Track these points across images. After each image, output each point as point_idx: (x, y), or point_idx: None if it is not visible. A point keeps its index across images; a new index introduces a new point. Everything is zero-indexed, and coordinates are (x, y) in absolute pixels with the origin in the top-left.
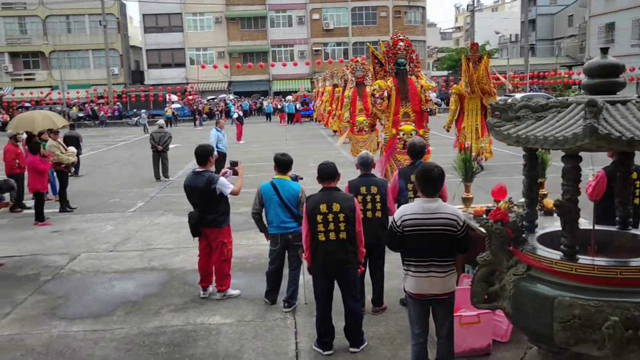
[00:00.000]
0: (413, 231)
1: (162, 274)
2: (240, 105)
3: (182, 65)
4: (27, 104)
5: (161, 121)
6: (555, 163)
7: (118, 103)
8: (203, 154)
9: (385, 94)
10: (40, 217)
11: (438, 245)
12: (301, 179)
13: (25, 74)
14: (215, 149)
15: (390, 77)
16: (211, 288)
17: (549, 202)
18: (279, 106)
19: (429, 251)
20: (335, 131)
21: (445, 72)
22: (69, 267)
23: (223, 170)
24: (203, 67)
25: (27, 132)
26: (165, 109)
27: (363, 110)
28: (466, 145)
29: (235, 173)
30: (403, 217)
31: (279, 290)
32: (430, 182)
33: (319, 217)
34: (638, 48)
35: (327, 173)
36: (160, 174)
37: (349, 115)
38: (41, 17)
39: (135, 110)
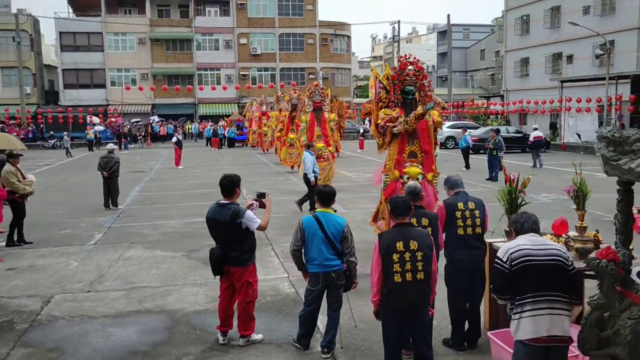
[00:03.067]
0: (524, 263)
1: (162, 318)
2: (178, 129)
3: (103, 86)
4: None
5: (111, 145)
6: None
7: (32, 124)
8: (229, 184)
9: (396, 113)
10: None
11: (553, 278)
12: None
13: None
14: None
15: (397, 108)
16: (230, 332)
17: None
18: (211, 130)
19: (546, 284)
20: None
21: (365, 100)
22: (46, 312)
23: (249, 202)
24: (128, 88)
25: None
26: (87, 131)
27: (322, 136)
28: (512, 177)
29: (263, 205)
30: (510, 251)
31: (313, 334)
32: (533, 219)
33: (395, 256)
34: (550, 82)
35: (402, 208)
36: (110, 202)
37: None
38: None
39: (51, 132)
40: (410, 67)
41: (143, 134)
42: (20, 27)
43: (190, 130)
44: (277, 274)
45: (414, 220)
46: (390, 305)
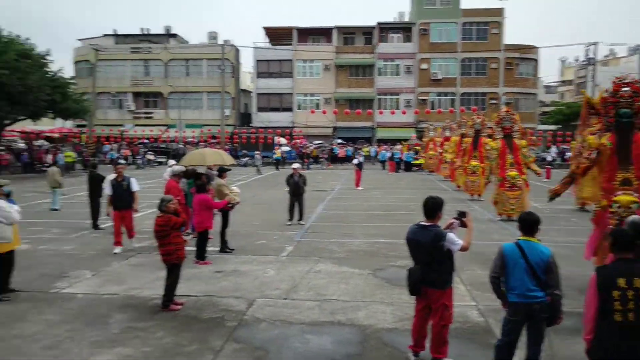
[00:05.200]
0: None
1: (353, 331)
2: (360, 151)
3: (289, 109)
4: (145, 141)
5: (296, 165)
6: None
7: (229, 143)
8: (433, 207)
9: (594, 155)
10: (201, 256)
11: None
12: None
13: (145, 113)
14: None
15: (608, 133)
16: (421, 353)
17: None
18: (389, 154)
19: None
20: (459, 186)
21: (552, 127)
22: (251, 313)
23: (449, 222)
24: (312, 112)
25: (190, 173)
26: (274, 151)
27: (514, 164)
28: None
29: (464, 225)
30: None
31: None
32: None
33: (616, 293)
34: None
35: (627, 242)
36: (295, 217)
37: (497, 167)
38: (164, 60)
39: (244, 151)
40: (626, 89)
41: (326, 155)
42: (225, 56)
43: (368, 153)
44: (464, 302)
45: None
46: (605, 347)
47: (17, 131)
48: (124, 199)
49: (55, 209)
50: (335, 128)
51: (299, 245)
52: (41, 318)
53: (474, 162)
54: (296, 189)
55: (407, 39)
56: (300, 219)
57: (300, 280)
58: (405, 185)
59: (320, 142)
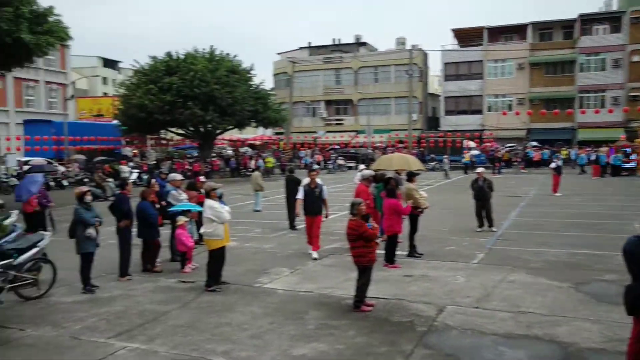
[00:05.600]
0: None
1: (553, 348)
2: (558, 154)
3: (479, 112)
4: (336, 146)
5: (480, 169)
6: None
7: (416, 147)
8: None
9: None
10: (391, 259)
11: None
12: None
13: (336, 120)
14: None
15: None
16: None
17: None
18: (592, 157)
19: None
20: None
21: None
22: (441, 319)
23: None
24: (504, 113)
25: (379, 177)
26: (463, 155)
27: None
28: None
29: None
30: None
31: None
32: None
33: None
34: None
35: None
36: (485, 224)
37: None
38: (354, 68)
39: (432, 155)
40: None
41: (519, 159)
42: (413, 61)
43: (567, 156)
44: None
45: None
46: None
47: (226, 139)
48: (315, 205)
49: (258, 210)
50: (529, 130)
51: (490, 252)
52: (247, 309)
53: None
54: (481, 194)
55: (615, 29)
56: (490, 225)
57: (492, 289)
58: (612, 192)
59: (512, 145)
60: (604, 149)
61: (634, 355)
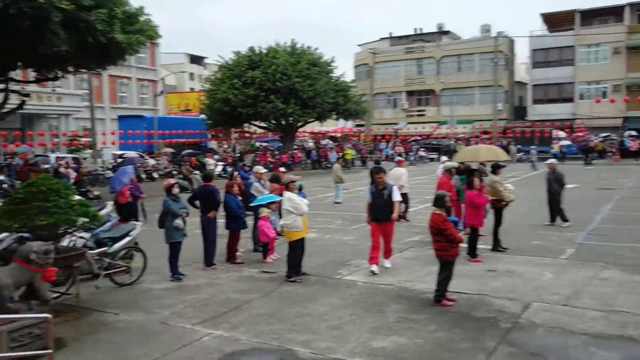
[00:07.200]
0: None
1: None
2: None
3: (570, 100)
4: (418, 138)
5: (551, 160)
6: None
7: (502, 139)
8: None
9: None
10: (473, 253)
11: None
12: None
13: (417, 111)
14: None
15: None
16: None
17: None
18: None
19: None
20: None
21: None
22: (526, 317)
23: None
24: (598, 101)
25: (463, 169)
26: (552, 145)
27: None
28: None
29: None
30: None
31: None
32: None
33: None
34: None
35: None
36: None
37: None
38: (436, 58)
39: (518, 146)
40: None
41: (613, 149)
42: (498, 48)
43: None
44: None
45: None
46: None
47: (307, 132)
48: (385, 210)
49: (338, 202)
50: (626, 118)
51: (580, 248)
52: (327, 300)
53: None
54: (548, 186)
55: None
56: (563, 220)
57: (582, 286)
58: None
59: (607, 134)
60: None
61: None
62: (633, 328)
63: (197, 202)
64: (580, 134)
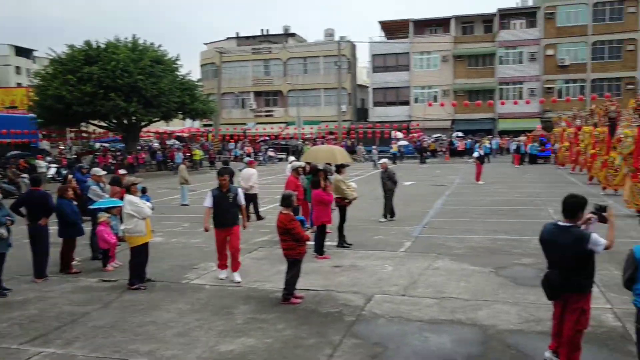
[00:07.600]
0: None
1: (474, 331)
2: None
3: (406, 103)
4: (267, 138)
5: (383, 160)
6: None
7: (346, 139)
8: (574, 206)
9: None
10: (320, 250)
11: None
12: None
13: (265, 111)
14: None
15: None
16: (548, 354)
17: None
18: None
19: None
20: (591, 179)
21: None
22: (369, 308)
23: (586, 216)
24: (430, 104)
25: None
26: (391, 145)
27: None
28: None
29: (604, 220)
30: None
31: None
32: None
33: None
34: None
35: None
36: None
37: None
38: (283, 59)
39: (362, 146)
40: None
41: (444, 149)
42: (341, 52)
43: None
44: (597, 304)
45: None
46: None
47: (152, 132)
48: (229, 214)
49: (185, 204)
50: (453, 121)
51: (416, 240)
52: (173, 307)
53: (613, 154)
54: (383, 184)
55: (531, 24)
56: (384, 215)
57: (418, 276)
58: (530, 179)
59: (438, 135)
60: (522, 138)
61: (555, 335)
62: (461, 312)
63: (23, 210)
64: (416, 134)
